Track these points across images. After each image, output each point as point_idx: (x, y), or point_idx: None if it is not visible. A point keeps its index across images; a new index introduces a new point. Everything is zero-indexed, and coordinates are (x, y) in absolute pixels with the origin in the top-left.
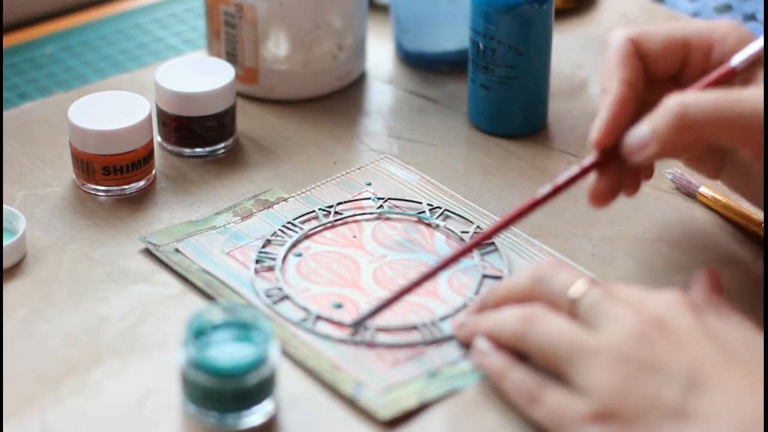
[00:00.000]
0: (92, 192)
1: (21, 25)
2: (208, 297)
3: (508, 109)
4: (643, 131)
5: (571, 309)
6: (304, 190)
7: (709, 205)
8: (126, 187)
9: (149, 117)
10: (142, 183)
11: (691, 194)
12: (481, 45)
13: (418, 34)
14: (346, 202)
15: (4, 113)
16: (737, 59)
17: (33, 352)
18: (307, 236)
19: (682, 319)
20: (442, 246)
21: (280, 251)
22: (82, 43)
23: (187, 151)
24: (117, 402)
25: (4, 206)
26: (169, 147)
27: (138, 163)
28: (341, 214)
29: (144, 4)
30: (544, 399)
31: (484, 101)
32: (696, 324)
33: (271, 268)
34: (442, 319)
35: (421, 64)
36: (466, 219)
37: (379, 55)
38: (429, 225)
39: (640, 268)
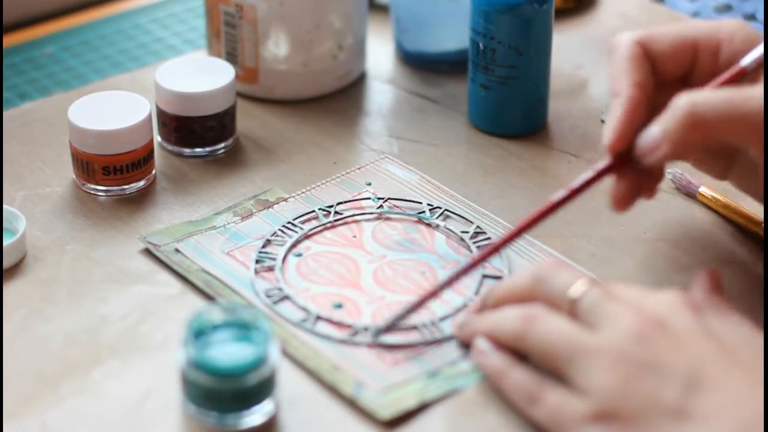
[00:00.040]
0: (92, 192)
1: (21, 25)
2: (208, 297)
3: (508, 109)
4: (653, 132)
5: (571, 309)
6: (304, 190)
7: (709, 205)
8: (126, 187)
9: (149, 117)
10: (142, 183)
11: (691, 194)
12: (481, 45)
13: (418, 34)
14: (346, 202)
15: (4, 113)
16: (748, 59)
17: (33, 352)
18: (307, 236)
19: (682, 319)
20: (442, 246)
21: (280, 251)
22: (82, 43)
23: (187, 151)
24: (117, 402)
25: (4, 206)
26: (169, 147)
27: (138, 163)
28: (341, 214)
29: (144, 4)
30: (544, 399)
31: (484, 101)
32: (696, 324)
33: (271, 268)
34: (442, 319)
35: (421, 64)
36: (466, 219)
37: (379, 55)
38: (429, 225)
39: (640, 268)
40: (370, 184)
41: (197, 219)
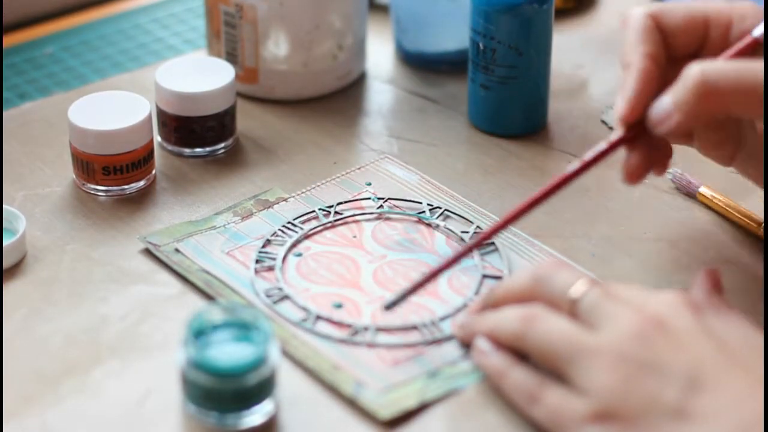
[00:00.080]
0: (92, 192)
1: (21, 25)
2: (208, 297)
3: (508, 109)
4: (665, 102)
5: (572, 309)
6: (304, 190)
7: (709, 205)
8: (126, 187)
9: (149, 117)
10: (142, 183)
11: (691, 194)
12: (481, 45)
13: (418, 34)
14: (346, 202)
15: (4, 113)
16: (759, 30)
17: (33, 352)
18: (307, 236)
19: (682, 319)
20: (442, 246)
21: (280, 251)
22: (82, 43)
23: (187, 151)
24: (117, 402)
25: (4, 206)
26: (169, 147)
27: (138, 163)
28: (341, 214)
29: (144, 4)
30: (544, 399)
31: (484, 101)
32: (696, 324)
33: (271, 268)
34: (442, 319)
35: (421, 64)
36: (466, 219)
37: (379, 55)
38: (429, 225)
39: (640, 268)
40: (370, 184)
41: (197, 219)
